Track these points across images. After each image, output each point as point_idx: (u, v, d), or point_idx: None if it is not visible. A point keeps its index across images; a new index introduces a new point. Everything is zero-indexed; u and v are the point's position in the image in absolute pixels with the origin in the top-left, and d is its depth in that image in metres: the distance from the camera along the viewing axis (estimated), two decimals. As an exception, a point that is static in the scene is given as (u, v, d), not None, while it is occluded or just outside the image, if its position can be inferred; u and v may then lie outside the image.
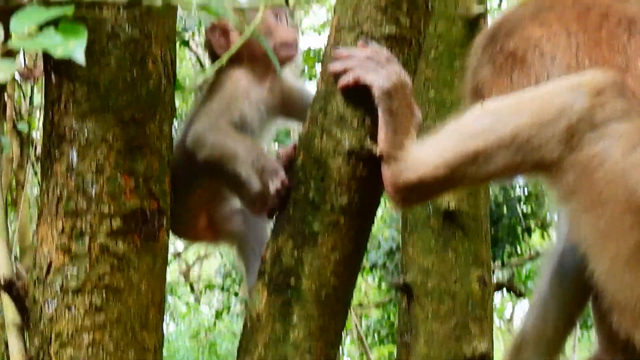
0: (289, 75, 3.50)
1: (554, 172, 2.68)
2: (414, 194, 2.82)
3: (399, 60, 2.86)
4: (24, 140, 6.54)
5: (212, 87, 3.42)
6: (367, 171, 2.86)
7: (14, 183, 6.68)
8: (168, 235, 3.03)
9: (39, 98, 6.41)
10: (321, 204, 2.87)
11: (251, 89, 3.34)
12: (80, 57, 1.92)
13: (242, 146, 3.15)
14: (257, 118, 3.35)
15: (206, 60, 2.54)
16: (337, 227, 2.87)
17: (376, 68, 2.79)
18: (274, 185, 2.97)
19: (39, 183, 6.38)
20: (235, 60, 3.31)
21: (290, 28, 3.43)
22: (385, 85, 2.78)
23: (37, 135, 6.40)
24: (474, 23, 4.99)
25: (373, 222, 3.02)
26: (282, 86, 3.44)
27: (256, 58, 3.27)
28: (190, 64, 16.94)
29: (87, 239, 2.84)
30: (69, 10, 2.14)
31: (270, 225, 3.16)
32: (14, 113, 6.28)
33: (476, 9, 4.98)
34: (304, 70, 12.91)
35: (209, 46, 3.50)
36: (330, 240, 2.87)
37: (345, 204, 2.87)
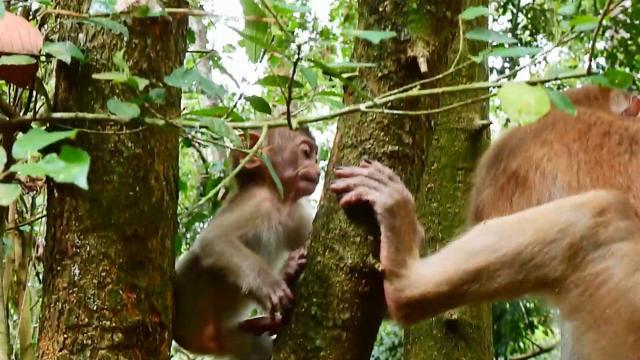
0: (307, 205, 3.52)
1: (557, 290, 2.67)
2: (416, 310, 2.81)
3: (402, 178, 2.88)
4: (26, 241, 6.53)
5: (233, 200, 3.44)
6: (370, 287, 2.86)
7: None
8: (169, 350, 3.01)
9: (41, 198, 6.41)
10: (323, 320, 2.86)
11: (272, 210, 3.35)
12: (82, 183, 1.92)
13: (247, 261, 3.13)
14: (273, 240, 3.35)
15: (209, 157, 2.52)
16: (339, 342, 2.86)
17: (378, 186, 2.80)
18: (276, 297, 2.96)
19: (40, 283, 6.37)
20: (260, 178, 3.35)
21: (316, 165, 3.46)
22: (387, 203, 2.79)
23: (40, 236, 6.38)
24: (476, 136, 5.03)
25: (375, 338, 3.00)
26: (301, 214, 3.46)
27: (281, 181, 3.27)
28: (193, 160, 17.01)
29: (88, 352, 2.83)
30: (71, 133, 2.16)
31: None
32: (15, 213, 6.28)
33: (478, 122, 5.01)
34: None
35: (233, 157, 3.56)
36: (332, 355, 2.86)
37: (347, 320, 2.86)
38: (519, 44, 13.67)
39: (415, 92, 2.61)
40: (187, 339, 3.49)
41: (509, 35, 14.31)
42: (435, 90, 2.65)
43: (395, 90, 2.71)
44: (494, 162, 3.20)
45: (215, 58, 5.14)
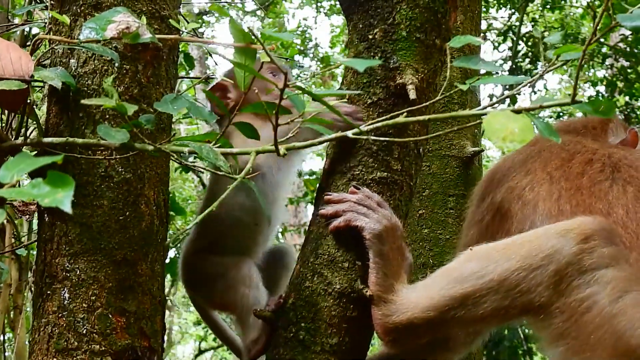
0: None
1: (542, 316, 2.68)
2: (403, 335, 2.82)
3: (390, 204, 2.90)
4: (23, 265, 6.54)
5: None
6: (358, 312, 2.87)
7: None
8: (158, 374, 3.02)
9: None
10: (312, 344, 2.87)
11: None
12: (67, 208, 1.93)
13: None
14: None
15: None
16: (327, 367, 2.87)
17: (367, 212, 2.83)
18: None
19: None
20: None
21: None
22: (376, 229, 2.81)
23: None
24: (468, 163, 5.04)
25: (363, 362, 3.01)
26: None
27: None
28: (193, 185, 17.05)
29: (77, 376, 2.83)
30: (58, 158, 2.17)
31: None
32: (12, 237, 6.30)
33: (470, 149, 5.03)
34: (305, 195, 12.99)
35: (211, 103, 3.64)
36: (321, 380, 2.86)
37: (335, 345, 2.87)
38: (507, 72, 13.74)
39: (402, 119, 2.63)
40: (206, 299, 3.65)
41: (509, 62, 14.40)
42: (421, 118, 2.67)
43: (382, 118, 2.73)
44: (482, 196, 3.23)
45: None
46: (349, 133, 2.58)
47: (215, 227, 3.42)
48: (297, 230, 14.75)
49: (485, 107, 2.57)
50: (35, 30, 5.05)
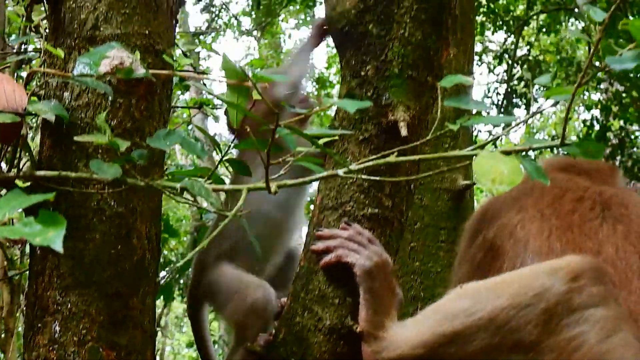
0: None
1: (532, 354, 2.68)
2: (393, 373, 2.82)
3: (381, 240, 2.91)
4: (15, 288, 6.52)
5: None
6: (348, 348, 2.87)
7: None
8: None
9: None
10: (302, 380, 2.87)
11: None
12: (58, 247, 1.96)
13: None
14: None
15: (204, 202, 2.58)
16: (317, 402, 2.87)
17: (358, 248, 2.84)
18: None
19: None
20: None
21: None
22: (366, 265, 2.82)
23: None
24: (459, 196, 5.06)
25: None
26: None
27: None
28: (187, 205, 17.01)
29: (67, 409, 2.83)
30: (50, 196, 2.19)
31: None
32: (5, 261, 6.28)
33: (462, 182, 5.05)
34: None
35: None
36: (311, 416, 2.86)
37: (325, 380, 2.87)
38: (502, 95, 13.79)
39: (393, 158, 2.64)
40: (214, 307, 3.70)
41: (504, 85, 14.46)
42: (412, 158, 2.69)
43: (373, 157, 2.74)
44: (474, 233, 3.23)
45: (210, 107, 5.16)
46: (340, 172, 2.60)
47: (237, 232, 3.44)
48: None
49: (475, 148, 2.58)
50: (30, 47, 5.05)
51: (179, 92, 8.17)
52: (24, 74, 4.49)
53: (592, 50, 2.28)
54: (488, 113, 2.92)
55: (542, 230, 3.01)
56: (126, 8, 3.12)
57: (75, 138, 2.65)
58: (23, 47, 4.90)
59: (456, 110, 4.64)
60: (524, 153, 2.44)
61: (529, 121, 14.96)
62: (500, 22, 14.12)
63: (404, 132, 2.89)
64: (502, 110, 13.81)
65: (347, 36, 3.10)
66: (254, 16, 20.01)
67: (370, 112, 2.95)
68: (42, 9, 3.94)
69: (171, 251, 11.94)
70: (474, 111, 3.60)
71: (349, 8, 3.10)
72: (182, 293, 11.12)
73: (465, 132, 5.12)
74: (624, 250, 2.92)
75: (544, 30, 14.89)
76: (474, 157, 2.43)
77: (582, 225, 3.00)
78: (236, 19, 20.28)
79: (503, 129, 10.79)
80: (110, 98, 2.95)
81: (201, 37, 18.31)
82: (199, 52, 15.26)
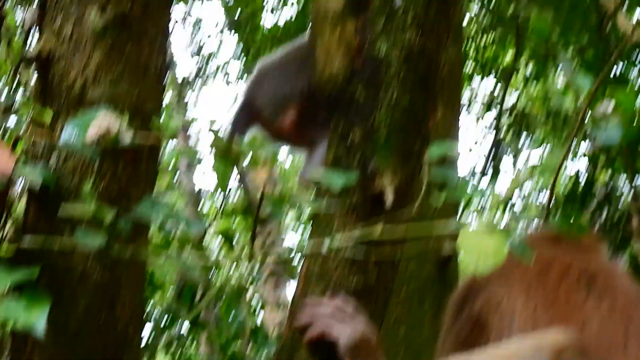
0: None
1: None
2: None
3: (366, 311, 2.89)
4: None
5: None
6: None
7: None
8: None
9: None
10: None
11: None
12: (39, 332, 1.96)
13: None
14: None
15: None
16: None
17: (343, 320, 2.81)
18: None
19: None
20: None
21: None
22: (351, 337, 2.80)
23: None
24: (444, 264, 5.06)
25: None
26: None
27: None
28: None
29: None
30: (34, 272, 2.18)
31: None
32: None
33: (447, 249, 5.05)
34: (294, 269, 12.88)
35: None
36: None
37: None
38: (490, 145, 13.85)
39: (378, 229, 2.64)
40: (270, 120, 3.74)
41: (492, 133, 14.51)
42: (397, 229, 2.69)
43: (357, 231, 2.74)
44: (460, 306, 3.21)
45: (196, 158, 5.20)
46: (324, 247, 2.60)
47: None
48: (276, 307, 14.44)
49: (460, 218, 2.59)
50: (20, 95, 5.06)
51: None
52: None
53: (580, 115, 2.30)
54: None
55: (527, 304, 2.99)
56: (114, 71, 3.11)
57: (60, 210, 2.64)
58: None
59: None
60: (509, 226, 2.44)
61: (514, 171, 14.98)
62: (489, 70, 14.19)
63: (389, 201, 2.89)
64: (490, 163, 13.81)
65: (335, 101, 3.11)
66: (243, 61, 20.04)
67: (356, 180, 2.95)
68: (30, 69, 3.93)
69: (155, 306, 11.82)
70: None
71: (337, 73, 3.11)
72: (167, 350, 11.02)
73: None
74: (608, 324, 2.91)
75: (532, 78, 14.93)
76: (460, 229, 2.44)
77: (567, 299, 2.98)
78: (224, 67, 20.26)
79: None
80: (96, 164, 2.94)
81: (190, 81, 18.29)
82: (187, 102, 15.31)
